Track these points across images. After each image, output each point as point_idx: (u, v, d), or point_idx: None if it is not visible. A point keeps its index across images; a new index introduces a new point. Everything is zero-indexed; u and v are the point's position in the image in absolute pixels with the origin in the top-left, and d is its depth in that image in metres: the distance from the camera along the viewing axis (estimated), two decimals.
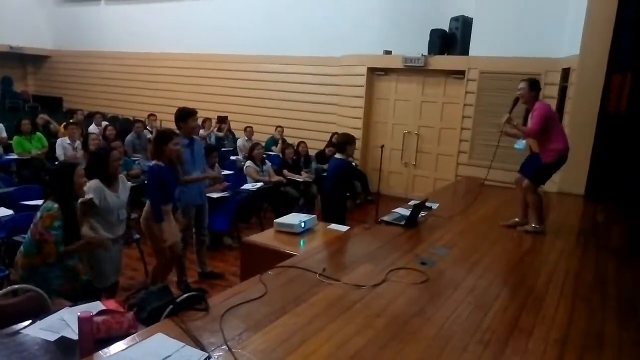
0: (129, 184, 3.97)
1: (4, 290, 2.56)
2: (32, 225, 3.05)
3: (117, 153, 3.68)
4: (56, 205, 2.99)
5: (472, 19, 7.77)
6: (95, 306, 2.31)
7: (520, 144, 4.19)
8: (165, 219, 3.99)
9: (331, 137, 8.08)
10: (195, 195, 4.54)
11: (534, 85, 3.99)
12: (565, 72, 6.47)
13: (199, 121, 5.65)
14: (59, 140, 7.24)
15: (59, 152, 7.10)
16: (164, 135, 4.02)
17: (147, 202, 4.05)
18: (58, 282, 3.03)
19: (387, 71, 8.68)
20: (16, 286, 2.54)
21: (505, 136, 4.20)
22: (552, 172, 4.24)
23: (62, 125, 8.16)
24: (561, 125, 4.08)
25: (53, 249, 2.95)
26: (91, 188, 3.42)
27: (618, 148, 5.56)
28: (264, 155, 7.08)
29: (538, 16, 7.03)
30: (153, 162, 3.99)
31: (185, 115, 4.45)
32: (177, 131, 4.40)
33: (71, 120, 8.30)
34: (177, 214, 4.40)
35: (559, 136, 4.00)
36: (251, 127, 8.99)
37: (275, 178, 6.73)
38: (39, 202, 4.69)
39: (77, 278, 3.15)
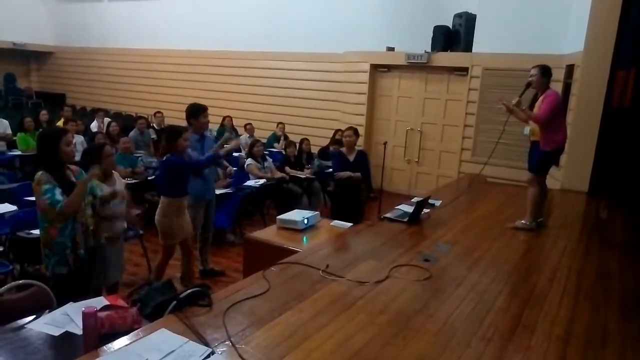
0: (123, 181, 3.94)
1: (8, 285, 2.57)
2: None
3: (110, 148, 3.61)
4: (40, 172, 2.92)
5: (475, 15, 7.74)
6: (99, 301, 2.32)
7: (526, 129, 4.19)
8: (179, 213, 4.03)
9: (334, 134, 8.07)
10: (205, 190, 4.55)
11: (545, 71, 3.94)
12: (570, 69, 6.44)
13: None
14: None
15: None
16: (174, 131, 4.02)
17: (161, 198, 4.07)
18: (67, 252, 3.01)
19: (390, 68, 8.67)
20: (20, 281, 2.55)
21: (512, 115, 4.16)
22: (552, 161, 4.24)
23: (62, 122, 8.15)
24: (565, 116, 4.08)
25: (53, 212, 2.88)
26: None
27: (622, 144, 5.53)
28: (266, 152, 7.07)
29: (542, 12, 7.00)
30: (167, 156, 4.00)
31: (196, 111, 4.47)
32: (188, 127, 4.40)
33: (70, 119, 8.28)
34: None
35: (562, 127, 4.01)
36: (251, 124, 9.00)
37: (278, 174, 6.74)
38: None
39: (77, 251, 3.09)
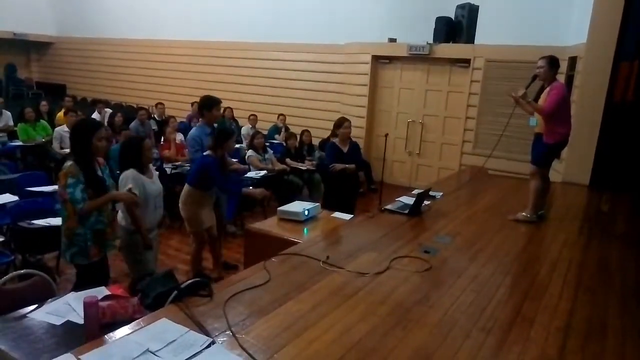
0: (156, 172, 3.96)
1: (10, 275, 2.59)
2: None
3: (149, 142, 3.60)
4: (70, 163, 2.91)
5: (478, 6, 7.68)
6: (101, 291, 2.33)
7: (533, 120, 4.18)
8: (200, 203, 4.13)
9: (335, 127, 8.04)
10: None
11: (553, 63, 3.90)
12: (572, 61, 6.40)
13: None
14: (57, 129, 7.18)
15: (57, 142, 7.03)
16: (226, 132, 4.26)
17: (185, 185, 4.18)
18: (88, 244, 3.00)
19: (391, 59, 8.62)
20: (22, 271, 2.56)
21: (517, 105, 4.12)
22: (555, 154, 4.23)
23: (62, 112, 8.14)
24: (570, 108, 4.05)
25: (71, 207, 2.88)
26: (129, 178, 3.28)
27: (624, 137, 5.52)
28: (267, 144, 7.06)
29: (545, 3, 6.94)
30: (208, 152, 4.13)
31: (210, 104, 4.53)
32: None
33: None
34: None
35: (567, 119, 3.98)
36: (255, 116, 8.99)
37: (279, 166, 6.74)
38: (43, 188, 4.75)
39: (104, 243, 3.10)
